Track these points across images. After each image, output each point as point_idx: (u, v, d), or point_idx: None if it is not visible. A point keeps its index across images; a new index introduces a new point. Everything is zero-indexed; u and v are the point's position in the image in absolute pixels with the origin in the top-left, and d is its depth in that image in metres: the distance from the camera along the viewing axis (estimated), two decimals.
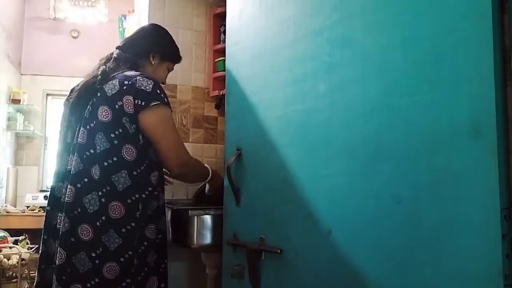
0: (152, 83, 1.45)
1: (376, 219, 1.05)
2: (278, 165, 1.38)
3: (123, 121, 1.40)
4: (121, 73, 1.47)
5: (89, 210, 1.36)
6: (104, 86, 1.44)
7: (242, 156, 1.54)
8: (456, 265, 0.88)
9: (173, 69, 1.76)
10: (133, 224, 1.38)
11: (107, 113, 1.40)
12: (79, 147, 1.42)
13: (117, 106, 1.40)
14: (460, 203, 0.88)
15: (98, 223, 1.35)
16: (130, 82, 1.42)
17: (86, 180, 1.38)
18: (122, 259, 1.35)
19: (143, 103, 1.41)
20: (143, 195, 1.43)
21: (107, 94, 1.42)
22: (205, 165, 1.76)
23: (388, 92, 1.04)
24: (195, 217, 1.83)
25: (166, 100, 1.48)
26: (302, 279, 1.25)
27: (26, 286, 3.43)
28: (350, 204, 1.12)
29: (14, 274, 3.35)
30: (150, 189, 1.46)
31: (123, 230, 1.36)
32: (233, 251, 1.55)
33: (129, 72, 1.49)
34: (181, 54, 1.78)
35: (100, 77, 1.47)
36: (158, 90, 1.45)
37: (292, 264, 1.29)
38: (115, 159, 1.38)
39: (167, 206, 1.65)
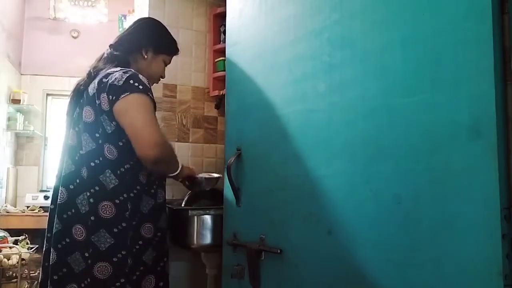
0: (127, 75, 1.38)
1: (376, 219, 1.04)
2: (278, 165, 1.38)
3: (102, 119, 1.38)
4: (105, 71, 1.45)
5: (81, 211, 1.37)
6: (88, 87, 1.44)
7: (242, 156, 1.54)
8: (456, 265, 0.88)
9: (170, 62, 1.69)
10: (124, 224, 1.37)
11: (90, 114, 1.40)
12: (70, 148, 1.44)
13: (96, 105, 1.39)
14: (460, 203, 0.88)
15: (89, 223, 1.35)
16: (107, 79, 1.39)
17: (78, 181, 1.39)
18: (115, 259, 1.35)
19: (114, 98, 1.36)
20: (131, 194, 1.40)
21: (90, 94, 1.42)
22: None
23: (388, 92, 1.04)
24: (195, 217, 1.83)
25: (141, 88, 1.37)
26: (302, 279, 1.25)
27: (26, 286, 3.43)
28: (350, 204, 1.12)
29: (14, 274, 3.34)
30: (138, 187, 1.42)
31: (115, 230, 1.36)
32: (233, 251, 1.55)
33: (113, 69, 1.45)
34: (179, 47, 1.70)
35: (86, 78, 1.48)
36: (131, 81, 1.37)
37: (292, 264, 1.29)
38: (100, 159, 1.38)
39: (167, 206, 1.63)
